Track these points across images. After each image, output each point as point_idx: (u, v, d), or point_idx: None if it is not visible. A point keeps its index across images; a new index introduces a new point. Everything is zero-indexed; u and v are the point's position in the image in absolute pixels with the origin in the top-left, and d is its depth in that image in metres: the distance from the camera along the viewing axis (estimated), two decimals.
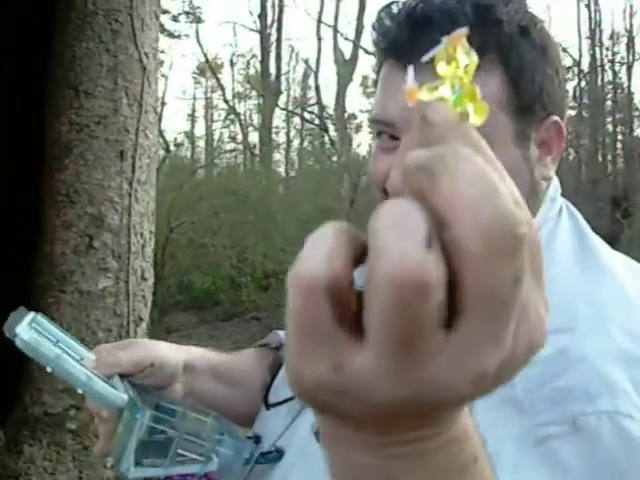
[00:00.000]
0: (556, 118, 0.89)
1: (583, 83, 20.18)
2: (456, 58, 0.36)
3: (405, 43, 0.85)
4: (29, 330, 0.85)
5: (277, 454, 0.98)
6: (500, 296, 0.33)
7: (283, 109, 19.44)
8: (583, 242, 0.90)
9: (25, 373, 2.34)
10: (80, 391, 0.86)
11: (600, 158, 19.26)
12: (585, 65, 20.29)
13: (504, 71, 0.85)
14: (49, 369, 0.84)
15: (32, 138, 2.66)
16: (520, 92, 0.86)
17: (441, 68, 0.36)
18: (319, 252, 0.34)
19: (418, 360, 0.33)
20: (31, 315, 0.90)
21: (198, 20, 20.05)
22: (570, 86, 20.12)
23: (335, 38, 18.75)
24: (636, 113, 20.19)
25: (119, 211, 2.46)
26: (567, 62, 20.14)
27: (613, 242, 11.72)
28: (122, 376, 0.96)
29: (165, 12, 18.19)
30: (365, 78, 20.76)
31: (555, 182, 0.95)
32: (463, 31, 0.36)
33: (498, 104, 0.86)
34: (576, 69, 20.18)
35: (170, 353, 1.11)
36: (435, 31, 0.77)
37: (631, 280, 0.87)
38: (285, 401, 1.05)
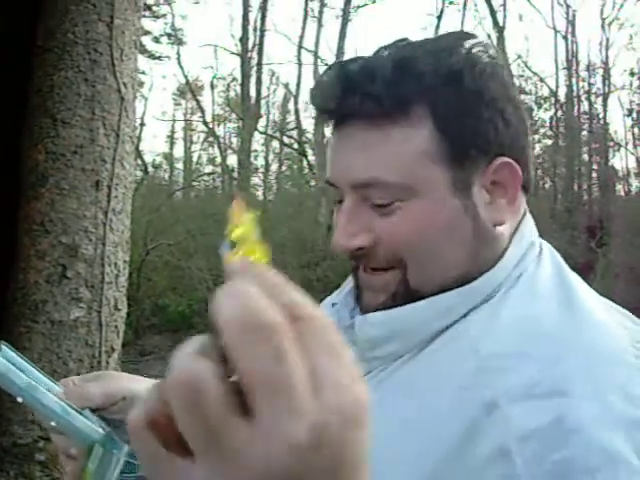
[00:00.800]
0: (505, 160, 0.86)
1: (560, 113, 20.43)
2: (241, 222, 0.49)
3: (333, 104, 0.86)
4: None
5: None
6: (266, 375, 0.37)
7: (262, 133, 19.50)
8: (564, 282, 0.88)
9: None
10: (53, 424, 0.80)
11: (576, 187, 19.46)
12: (562, 95, 20.56)
13: (432, 122, 0.83)
14: (19, 399, 0.79)
15: (9, 166, 2.66)
16: (451, 141, 0.84)
17: (234, 235, 0.48)
18: (144, 400, 0.41)
19: (234, 453, 0.37)
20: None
21: (179, 42, 20.13)
22: (547, 116, 20.37)
23: (315, 63, 18.89)
24: (611, 143, 20.46)
25: (93, 241, 2.45)
26: (544, 92, 20.40)
27: (588, 271, 11.80)
28: (92, 410, 0.90)
29: (147, 33, 18.24)
30: None
31: (529, 224, 0.92)
32: (239, 199, 0.50)
33: (428, 157, 0.84)
34: (553, 99, 20.44)
35: (139, 385, 1.06)
36: (357, 90, 0.83)
37: (616, 325, 0.84)
38: None
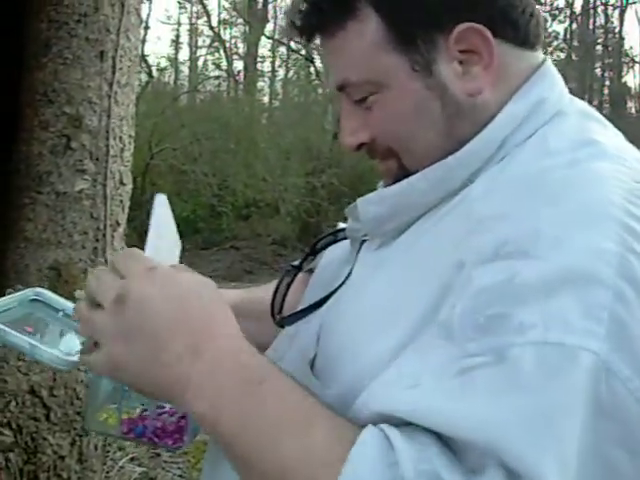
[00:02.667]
0: (466, 25, 0.83)
1: (574, 25, 19.97)
2: None
3: (298, 22, 0.91)
4: None
5: None
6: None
7: (269, 38, 19.11)
8: (585, 138, 0.83)
9: (0, 272, 2.31)
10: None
11: (587, 103, 19.17)
12: (577, 7, 20.06)
13: (375, 12, 0.84)
14: None
15: (10, 34, 2.58)
16: (395, 25, 0.84)
17: None
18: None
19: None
20: (30, 292, 1.01)
21: None
22: (561, 28, 19.92)
23: None
24: (626, 59, 20.09)
25: (98, 112, 2.39)
26: (559, 3, 19.89)
27: None
28: None
29: None
30: None
31: (540, 82, 0.88)
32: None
33: (380, 47, 0.85)
34: (568, 11, 19.92)
35: None
36: (308, 6, 0.88)
37: (626, 178, 0.78)
38: (296, 315, 1.02)
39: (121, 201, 2.48)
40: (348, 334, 0.86)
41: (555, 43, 19.42)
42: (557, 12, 19.90)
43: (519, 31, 0.87)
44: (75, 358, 0.87)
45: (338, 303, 0.94)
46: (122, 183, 2.47)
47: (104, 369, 0.76)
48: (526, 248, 0.70)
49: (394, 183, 0.90)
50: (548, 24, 18.75)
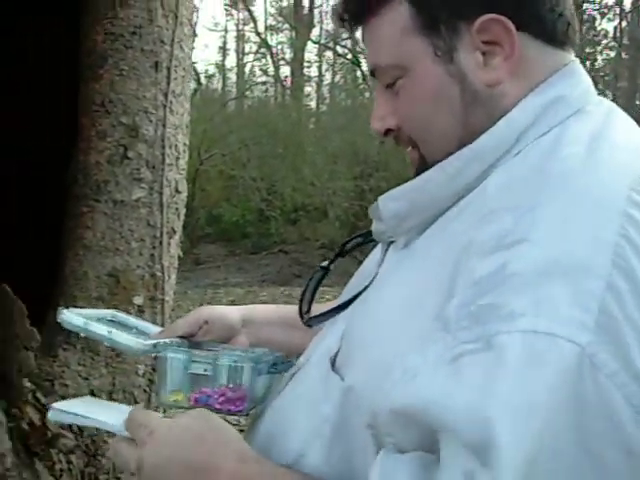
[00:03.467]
0: (490, 16, 0.83)
1: (624, 23, 19.61)
2: None
3: (342, 13, 0.94)
4: (68, 312, 1.10)
5: (286, 365, 1.08)
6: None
7: (315, 42, 19.17)
8: (603, 133, 0.82)
9: (60, 280, 2.37)
10: (106, 343, 1.12)
11: (638, 102, 18.85)
12: (627, 4, 19.68)
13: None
14: (82, 334, 1.12)
15: (66, 47, 2.64)
16: (421, 10, 0.86)
17: None
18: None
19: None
20: (107, 312, 1.22)
21: None
22: (610, 26, 19.60)
23: None
24: None
25: (153, 122, 2.44)
26: (609, 1, 19.55)
27: None
28: (186, 338, 1.17)
29: None
30: None
31: (564, 79, 0.87)
32: None
33: (407, 32, 0.87)
34: (618, 8, 19.59)
35: (228, 310, 1.25)
36: None
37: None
38: (323, 315, 1.05)
39: (177, 209, 2.52)
40: (365, 333, 0.88)
41: (605, 42, 19.09)
42: (606, 10, 19.57)
43: (545, 27, 0.87)
44: (148, 345, 1.07)
45: (362, 304, 0.95)
46: (177, 191, 2.52)
47: None
48: (524, 236, 0.70)
49: (417, 176, 0.91)
50: (597, 22, 18.44)
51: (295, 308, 1.18)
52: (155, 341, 1.10)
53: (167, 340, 1.11)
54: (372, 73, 0.94)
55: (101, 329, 1.08)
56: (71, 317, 1.09)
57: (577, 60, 0.91)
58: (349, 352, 0.90)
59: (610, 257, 0.68)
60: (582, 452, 0.64)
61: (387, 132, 0.94)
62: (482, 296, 0.69)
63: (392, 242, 0.98)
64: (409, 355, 0.74)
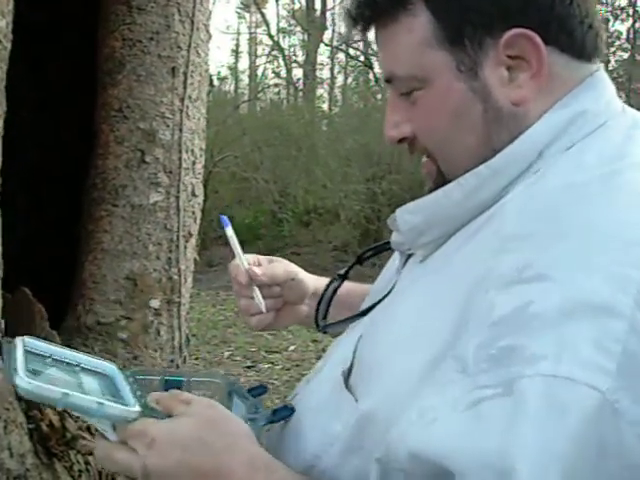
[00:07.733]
0: (518, 31, 0.80)
1: (637, 24, 19.52)
2: None
3: (354, 14, 0.92)
4: (26, 378, 0.83)
5: (288, 411, 1.00)
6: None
7: (328, 45, 19.17)
8: (623, 153, 0.80)
9: (77, 282, 2.39)
10: (93, 420, 0.90)
11: None
12: None
13: (426, 8, 0.83)
14: (59, 408, 0.92)
15: (84, 54, 2.67)
16: (445, 22, 0.83)
17: None
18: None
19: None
20: (20, 347, 0.91)
21: None
22: (623, 28, 19.48)
23: None
24: None
25: (170, 127, 2.46)
26: (621, 2, 19.47)
27: None
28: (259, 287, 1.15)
29: None
30: None
31: (588, 93, 0.85)
32: None
33: (428, 44, 0.84)
34: (631, 10, 19.50)
35: (307, 277, 1.23)
36: None
37: None
38: (340, 322, 1.06)
39: (193, 212, 2.54)
40: (380, 349, 0.87)
41: (618, 43, 19.00)
42: (619, 11, 19.49)
43: (575, 41, 0.84)
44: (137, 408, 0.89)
45: (378, 315, 0.95)
46: (194, 195, 2.54)
47: None
48: (546, 272, 0.69)
49: (434, 189, 0.89)
50: (610, 24, 18.35)
51: (361, 287, 1.18)
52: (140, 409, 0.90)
53: (156, 406, 0.92)
54: (387, 80, 0.91)
55: (87, 401, 0.86)
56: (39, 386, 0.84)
57: (602, 67, 0.89)
58: (362, 372, 0.89)
59: (634, 297, 0.66)
60: None
61: (401, 140, 0.92)
62: (502, 338, 0.68)
63: (411, 254, 0.97)
64: (426, 394, 0.73)
